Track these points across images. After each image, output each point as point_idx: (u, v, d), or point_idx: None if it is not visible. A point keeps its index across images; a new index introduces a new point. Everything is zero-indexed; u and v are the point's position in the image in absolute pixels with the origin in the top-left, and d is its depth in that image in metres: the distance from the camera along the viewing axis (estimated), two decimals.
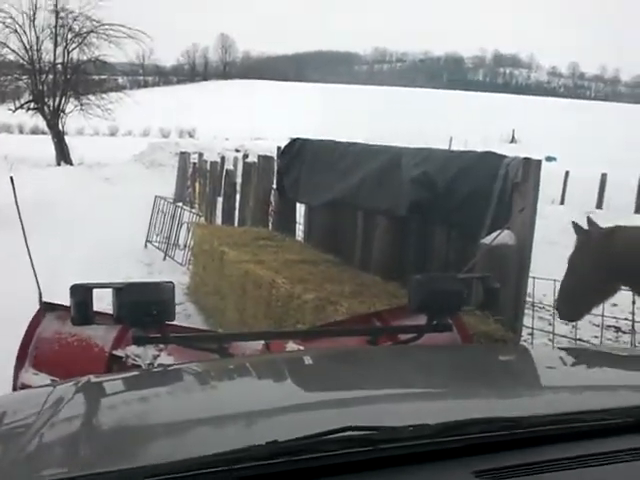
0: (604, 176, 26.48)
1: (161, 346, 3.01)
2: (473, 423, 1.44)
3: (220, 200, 13.54)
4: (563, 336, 6.40)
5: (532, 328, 6.09)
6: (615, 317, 6.62)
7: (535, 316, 6.23)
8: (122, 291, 2.49)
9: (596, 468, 1.39)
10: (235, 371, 2.31)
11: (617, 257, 4.39)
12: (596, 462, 1.40)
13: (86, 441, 1.61)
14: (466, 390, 1.92)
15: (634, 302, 5.36)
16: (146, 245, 13.65)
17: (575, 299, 4.72)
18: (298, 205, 9.29)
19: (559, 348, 4.33)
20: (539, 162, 5.21)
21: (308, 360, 2.44)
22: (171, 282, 2.60)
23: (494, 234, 4.66)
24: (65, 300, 2.64)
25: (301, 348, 2.96)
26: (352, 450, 1.37)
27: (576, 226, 4.84)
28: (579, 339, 6.22)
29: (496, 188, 5.39)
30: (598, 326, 7.61)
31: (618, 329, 7.57)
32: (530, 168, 5.14)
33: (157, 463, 1.32)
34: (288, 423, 1.63)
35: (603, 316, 5.40)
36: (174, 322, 2.70)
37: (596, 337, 7.10)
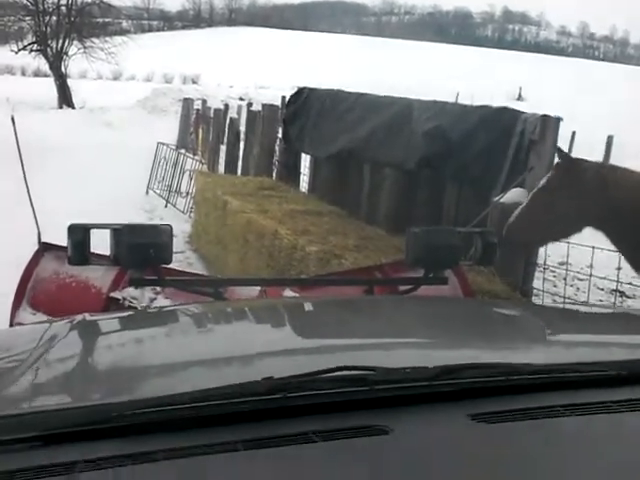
0: (610, 138, 26.32)
1: (158, 289, 3.05)
2: (470, 367, 1.45)
3: (223, 148, 13.42)
4: (568, 298, 6.31)
5: (542, 290, 6.00)
6: (620, 281, 6.53)
7: (542, 277, 6.14)
8: (119, 232, 2.47)
9: (588, 417, 1.40)
10: (231, 314, 2.32)
11: (599, 195, 4.08)
12: (588, 411, 1.41)
13: (78, 376, 1.63)
14: (463, 339, 1.94)
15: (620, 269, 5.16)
16: (147, 192, 13.56)
17: (532, 228, 4.25)
18: (303, 155, 9.17)
19: (556, 306, 4.27)
20: (557, 120, 5.06)
21: (304, 306, 2.45)
22: (169, 225, 2.59)
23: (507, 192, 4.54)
24: (63, 242, 2.62)
25: (297, 296, 2.96)
26: (347, 389, 1.37)
27: (560, 152, 4.40)
28: (578, 301, 6.13)
29: (512, 145, 5.26)
30: (603, 290, 7.54)
31: (622, 293, 7.49)
32: (548, 126, 5.00)
33: (149, 397, 1.32)
34: (284, 363, 1.64)
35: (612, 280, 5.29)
36: (171, 266, 2.72)
37: (600, 300, 7.03)
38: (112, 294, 3.07)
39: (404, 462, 1.22)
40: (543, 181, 4.15)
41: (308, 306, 2.42)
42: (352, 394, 1.37)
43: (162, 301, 3.02)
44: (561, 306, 4.65)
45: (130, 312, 2.65)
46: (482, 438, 1.32)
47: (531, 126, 5.11)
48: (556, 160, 4.29)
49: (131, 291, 3.02)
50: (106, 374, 1.64)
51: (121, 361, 1.74)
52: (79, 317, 1.99)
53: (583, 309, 3.49)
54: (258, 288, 3.14)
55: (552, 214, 4.10)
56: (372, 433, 1.28)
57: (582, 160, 4.33)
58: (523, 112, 5.48)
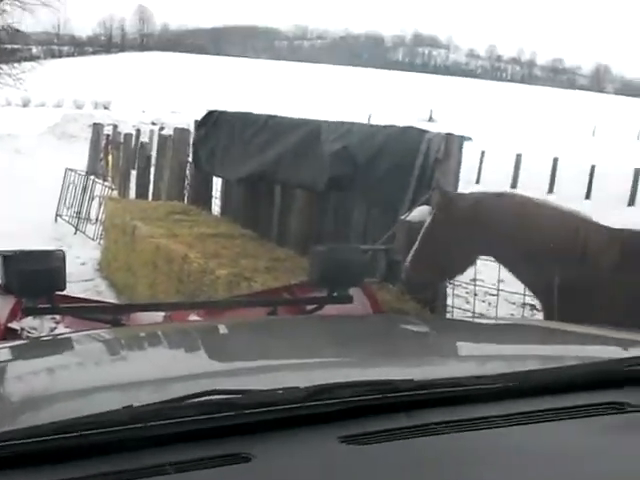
0: (519, 157, 27.01)
1: (58, 318, 2.96)
2: (345, 386, 1.39)
3: (134, 173, 13.22)
4: (480, 314, 6.38)
5: (452, 307, 6.05)
6: (527, 294, 6.63)
7: (453, 294, 6.20)
8: (10, 259, 2.40)
9: (466, 433, 1.35)
10: (119, 340, 2.24)
11: (484, 225, 4.01)
12: (466, 427, 1.36)
13: None
14: (349, 357, 1.91)
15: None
16: (56, 219, 13.25)
17: (431, 267, 4.22)
18: (215, 179, 9.10)
19: (463, 321, 4.29)
20: (461, 138, 5.14)
21: (196, 331, 2.37)
22: (61, 250, 2.53)
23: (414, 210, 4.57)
24: None
25: (199, 320, 2.93)
26: (214, 415, 1.31)
27: (440, 191, 4.39)
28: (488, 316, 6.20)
29: (417, 164, 5.30)
30: (515, 304, 7.66)
31: (533, 306, 7.63)
32: (452, 144, 5.07)
33: (6, 430, 1.24)
34: (153, 390, 1.58)
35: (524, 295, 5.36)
36: (74, 294, 2.77)
37: (512, 314, 7.13)
38: (10, 325, 2.91)
39: None
40: (427, 222, 4.19)
41: (201, 331, 2.36)
42: (218, 420, 1.31)
43: (62, 330, 2.93)
44: (468, 320, 4.68)
45: (20, 342, 2.53)
46: (350, 461, 1.27)
47: (436, 145, 5.18)
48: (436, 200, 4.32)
49: (29, 321, 2.90)
50: None
51: None
52: None
53: (488, 322, 3.50)
54: (162, 314, 3.08)
55: (442, 252, 4.13)
56: (232, 462, 1.22)
57: (460, 194, 4.40)
58: (428, 131, 5.55)
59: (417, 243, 4.21)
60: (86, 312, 2.79)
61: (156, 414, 1.28)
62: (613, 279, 3.83)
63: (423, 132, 5.54)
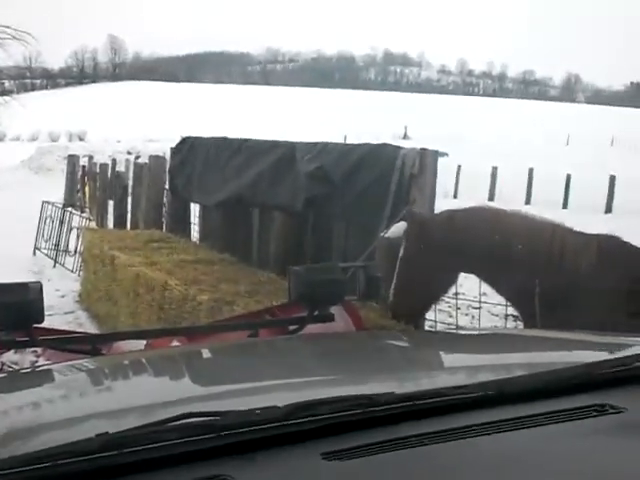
0: (495, 169, 27.18)
1: (39, 351, 2.91)
2: (323, 403, 1.38)
3: (112, 203, 13.18)
4: (463, 327, 6.38)
5: (435, 321, 6.05)
6: (509, 305, 6.64)
7: (436, 309, 6.20)
8: None
9: (449, 443, 1.34)
10: (100, 369, 2.22)
11: (458, 243, 4.02)
12: (449, 438, 1.35)
13: None
14: (329, 374, 1.90)
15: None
16: (35, 252, 13.16)
17: (413, 296, 4.24)
18: (193, 205, 9.08)
19: (446, 333, 4.27)
20: (435, 153, 5.17)
21: (180, 356, 2.35)
22: (39, 282, 2.47)
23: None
24: None
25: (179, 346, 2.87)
26: (192, 438, 1.29)
27: (410, 213, 4.39)
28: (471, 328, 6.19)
29: (393, 180, 5.33)
30: (497, 316, 7.67)
31: (517, 317, 7.64)
32: (426, 159, 5.10)
33: None
34: (131, 416, 1.53)
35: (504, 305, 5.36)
36: (53, 326, 2.67)
37: (495, 326, 7.13)
38: None
39: None
40: (401, 252, 4.17)
41: (182, 356, 2.33)
42: (196, 443, 1.28)
43: (43, 363, 2.85)
44: (449, 332, 4.67)
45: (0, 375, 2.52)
46: (333, 477, 1.25)
47: (410, 160, 5.21)
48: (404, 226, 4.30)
49: (10, 355, 2.86)
50: None
51: None
52: None
53: (470, 333, 3.50)
54: (144, 342, 3.05)
55: (422, 277, 4.12)
56: None
57: (430, 215, 4.40)
58: (402, 147, 5.59)
59: (396, 273, 4.20)
60: (66, 343, 2.74)
61: (131, 440, 1.26)
62: (589, 284, 3.85)
63: (397, 148, 5.58)
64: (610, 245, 4.00)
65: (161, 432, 1.28)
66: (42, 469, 1.21)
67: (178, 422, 1.29)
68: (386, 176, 5.41)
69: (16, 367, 2.85)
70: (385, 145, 5.88)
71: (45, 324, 2.58)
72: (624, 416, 1.44)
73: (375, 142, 6.47)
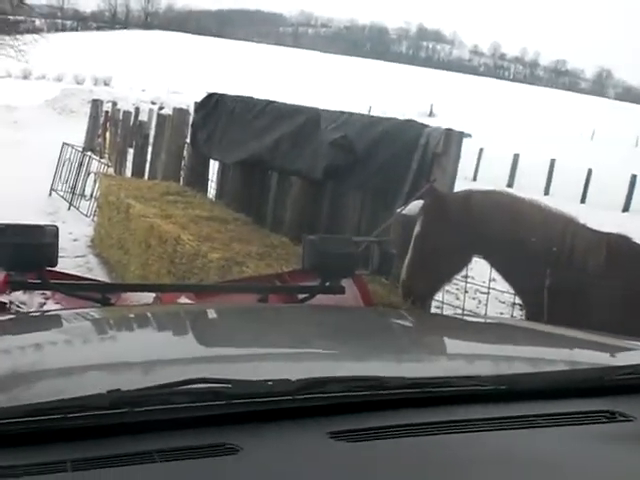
0: (516, 156, 27.06)
1: (48, 294, 2.90)
2: (335, 381, 1.37)
3: (131, 152, 13.18)
4: (470, 311, 6.38)
5: (442, 302, 6.05)
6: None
7: (444, 290, 6.20)
8: (1, 232, 2.36)
9: (454, 435, 1.32)
10: (108, 320, 2.22)
11: (474, 224, 3.95)
12: (455, 429, 1.34)
13: None
14: (339, 350, 1.89)
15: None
16: (50, 193, 13.21)
17: (426, 274, 4.16)
18: (212, 162, 9.06)
19: (453, 318, 4.26)
20: (460, 134, 5.13)
21: (187, 315, 2.34)
22: (55, 226, 2.47)
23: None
24: None
25: (188, 304, 2.87)
26: (202, 404, 1.29)
27: (429, 189, 4.32)
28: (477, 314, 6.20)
29: (416, 157, 5.29)
30: (505, 303, 7.66)
31: (522, 306, 7.62)
32: (451, 140, 5.07)
33: None
34: (141, 374, 1.54)
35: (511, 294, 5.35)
36: (66, 270, 2.67)
37: (501, 313, 7.13)
38: None
39: None
40: (417, 228, 4.14)
41: (191, 315, 2.33)
42: (205, 409, 1.28)
43: (52, 306, 2.88)
44: (459, 318, 4.65)
45: (8, 316, 2.51)
46: (338, 458, 1.25)
47: (434, 140, 5.17)
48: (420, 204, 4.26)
49: (19, 295, 2.86)
50: None
51: None
52: None
53: (478, 321, 3.49)
54: (153, 295, 3.06)
55: (436, 255, 4.09)
56: (219, 453, 1.20)
57: (446, 194, 4.35)
58: (427, 125, 5.53)
59: (410, 251, 4.17)
60: (76, 289, 2.73)
61: (142, 400, 1.26)
62: (598, 282, 3.83)
63: (423, 126, 5.53)
64: (619, 245, 3.97)
65: (173, 394, 1.28)
66: (51, 421, 1.21)
67: (189, 386, 1.28)
68: (409, 153, 5.37)
69: (24, 307, 2.87)
70: (411, 121, 5.83)
71: (56, 267, 2.60)
72: (633, 425, 1.43)
73: (400, 116, 6.42)
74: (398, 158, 5.48)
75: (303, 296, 2.78)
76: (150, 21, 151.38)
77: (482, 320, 3.86)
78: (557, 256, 3.87)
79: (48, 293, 2.91)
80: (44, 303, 2.92)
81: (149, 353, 1.74)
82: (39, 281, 2.50)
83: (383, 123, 6.03)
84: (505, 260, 4.07)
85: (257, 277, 3.87)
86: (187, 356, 1.71)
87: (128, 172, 12.76)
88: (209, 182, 9.12)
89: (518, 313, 7.26)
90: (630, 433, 1.42)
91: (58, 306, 2.85)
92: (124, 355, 1.70)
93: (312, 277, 2.84)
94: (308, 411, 1.34)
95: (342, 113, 6.67)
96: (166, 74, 67.73)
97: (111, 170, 12.97)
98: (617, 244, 3.98)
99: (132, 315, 2.32)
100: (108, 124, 16.72)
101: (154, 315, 2.30)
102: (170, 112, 11.54)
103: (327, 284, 2.70)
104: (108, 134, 16.10)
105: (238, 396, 1.31)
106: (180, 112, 10.34)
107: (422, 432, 1.32)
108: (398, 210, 4.88)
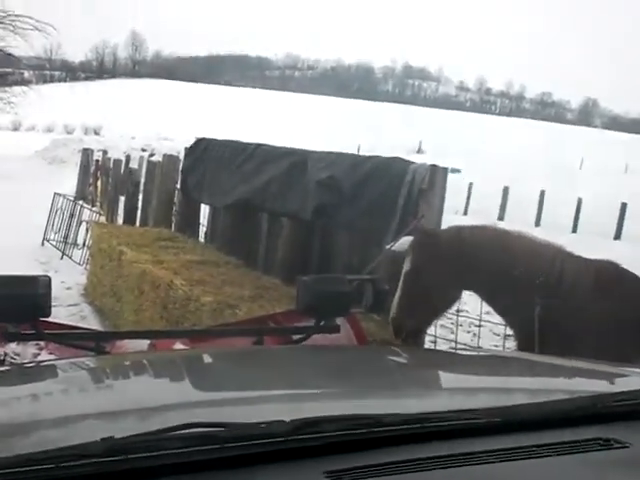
0: (506, 189, 27.19)
1: (42, 344, 2.91)
2: (330, 420, 1.37)
3: (123, 199, 13.23)
4: (464, 344, 6.39)
5: (435, 336, 6.06)
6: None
7: (438, 324, 6.22)
8: None
9: (452, 470, 1.32)
10: (103, 369, 2.22)
11: (464, 259, 3.99)
12: (452, 463, 1.33)
13: None
14: (335, 389, 1.88)
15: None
16: (43, 243, 13.25)
17: (416, 311, 4.16)
18: (203, 206, 9.11)
19: (447, 352, 4.25)
20: (445, 169, 5.19)
21: (183, 360, 2.34)
22: (47, 276, 2.47)
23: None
24: None
25: (183, 349, 2.87)
26: (196, 448, 1.28)
27: (417, 227, 4.42)
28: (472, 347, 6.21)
29: (402, 194, 5.34)
30: (499, 335, 7.67)
31: (514, 337, 7.62)
32: (436, 175, 5.12)
33: None
34: (136, 421, 1.53)
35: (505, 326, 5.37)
36: (58, 320, 2.67)
37: (496, 346, 7.13)
38: None
39: None
40: (406, 265, 4.16)
41: (186, 360, 2.33)
42: (200, 453, 1.27)
43: (46, 356, 2.89)
44: (452, 352, 4.65)
45: (3, 368, 2.52)
46: None
47: (420, 176, 5.23)
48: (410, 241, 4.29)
49: (13, 347, 2.88)
50: None
51: None
52: None
53: (472, 354, 3.50)
54: (147, 342, 3.06)
55: (426, 292, 4.10)
56: None
57: (436, 230, 4.40)
58: (412, 162, 5.60)
59: (399, 287, 4.19)
60: (70, 339, 2.74)
61: (136, 447, 1.25)
62: (588, 309, 3.86)
63: (408, 163, 5.59)
64: (608, 271, 4.01)
65: (167, 440, 1.28)
66: (45, 470, 1.20)
67: (183, 431, 1.28)
68: (395, 189, 5.43)
69: (18, 358, 2.86)
70: (396, 159, 5.90)
71: (50, 317, 2.61)
72: (629, 451, 1.43)
73: (389, 154, 6.48)
74: (385, 195, 5.54)
75: (298, 337, 2.78)
76: (138, 69, 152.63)
77: (475, 353, 3.87)
78: (546, 286, 3.90)
79: (42, 343, 2.91)
80: (38, 354, 2.92)
81: (144, 400, 1.74)
82: (33, 332, 2.49)
83: (369, 161, 6.10)
84: (496, 293, 4.10)
85: (251, 319, 3.87)
86: (182, 401, 1.70)
87: (120, 220, 12.79)
88: (200, 226, 9.17)
89: (512, 344, 7.29)
90: (626, 459, 1.43)
91: (52, 356, 2.83)
92: (119, 402, 1.69)
93: (306, 317, 2.84)
94: (304, 451, 1.33)
95: (329, 153, 6.75)
96: (156, 121, 68.11)
97: (103, 218, 13.00)
98: (606, 270, 4.01)
99: (127, 363, 2.32)
100: (99, 173, 16.78)
101: (149, 362, 2.30)
102: (160, 159, 11.61)
103: (322, 323, 2.70)
104: (99, 183, 16.15)
105: (233, 439, 1.30)
106: (170, 158, 10.41)
107: (419, 467, 1.32)
108: (387, 247, 4.92)
